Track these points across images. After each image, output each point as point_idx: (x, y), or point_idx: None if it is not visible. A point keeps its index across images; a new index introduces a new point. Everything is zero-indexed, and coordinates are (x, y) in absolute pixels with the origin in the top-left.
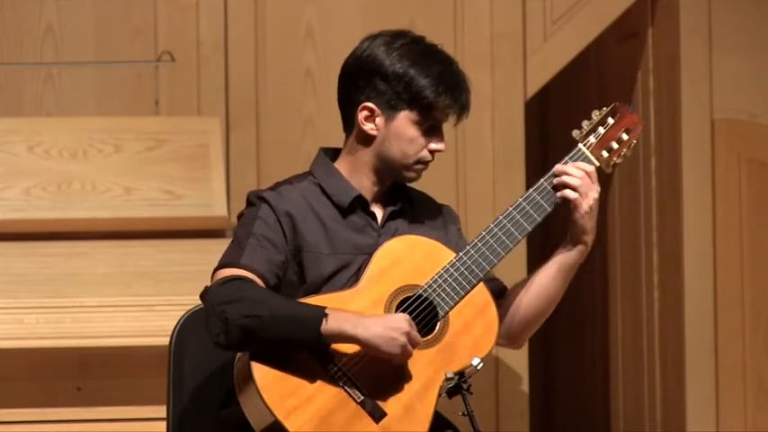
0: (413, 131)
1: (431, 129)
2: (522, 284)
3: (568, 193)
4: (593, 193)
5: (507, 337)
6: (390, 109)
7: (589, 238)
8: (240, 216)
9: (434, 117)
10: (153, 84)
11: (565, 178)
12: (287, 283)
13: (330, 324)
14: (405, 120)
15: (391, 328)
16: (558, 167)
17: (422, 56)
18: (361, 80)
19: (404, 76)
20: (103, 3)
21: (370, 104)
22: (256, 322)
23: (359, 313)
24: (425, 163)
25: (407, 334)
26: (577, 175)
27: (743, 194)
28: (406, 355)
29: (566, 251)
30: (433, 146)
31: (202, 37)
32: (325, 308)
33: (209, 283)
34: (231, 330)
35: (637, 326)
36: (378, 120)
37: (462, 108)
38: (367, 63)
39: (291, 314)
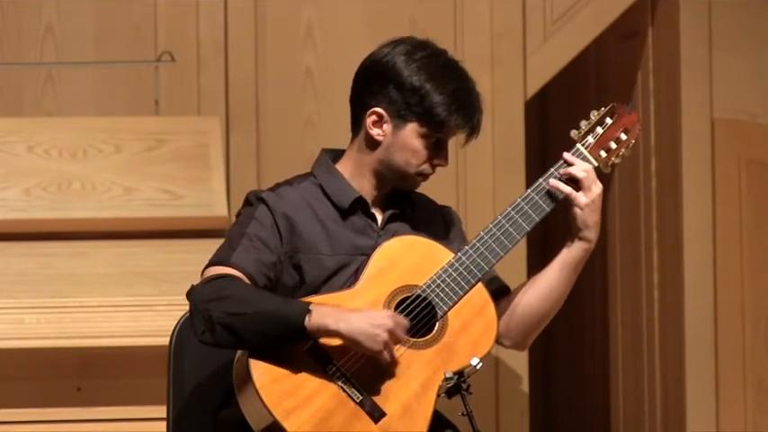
0: (418, 144)
1: (437, 143)
2: (526, 285)
3: (563, 187)
4: (596, 188)
5: (512, 339)
6: (399, 118)
7: (591, 234)
8: (237, 215)
9: (442, 133)
10: (153, 84)
11: (571, 169)
12: (283, 287)
13: (313, 319)
14: (412, 132)
15: (373, 324)
16: (567, 156)
17: (440, 71)
18: (375, 84)
19: (419, 89)
20: (103, 3)
21: (379, 110)
22: (240, 320)
23: (343, 308)
24: (426, 175)
25: (390, 331)
26: (583, 168)
27: (743, 194)
28: (388, 351)
29: (568, 249)
30: (436, 161)
31: (202, 37)
32: (309, 303)
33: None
34: (216, 328)
35: (637, 326)
36: (385, 126)
37: (473, 129)
38: (384, 69)
39: (275, 310)
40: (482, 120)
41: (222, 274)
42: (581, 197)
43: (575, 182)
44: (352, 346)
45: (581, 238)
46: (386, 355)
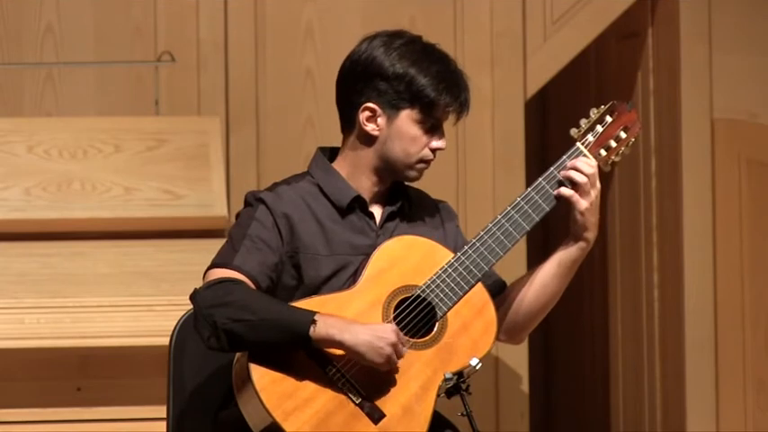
0: (415, 130)
1: (432, 127)
2: (522, 280)
3: (564, 191)
4: (594, 191)
5: (507, 333)
6: (392, 109)
7: (590, 235)
8: (237, 216)
9: (435, 115)
10: (153, 84)
11: (571, 173)
12: (283, 287)
13: (318, 329)
14: (407, 119)
15: (378, 337)
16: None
17: (421, 55)
18: (360, 82)
19: (404, 75)
20: (103, 3)
21: (371, 105)
22: (244, 326)
23: (348, 319)
24: (427, 161)
25: (393, 345)
26: (586, 172)
27: (743, 194)
28: (390, 364)
29: (566, 248)
30: (434, 144)
31: (202, 37)
32: (314, 313)
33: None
34: (220, 334)
35: (637, 326)
36: (380, 120)
37: (462, 106)
38: (366, 64)
39: (280, 318)
40: (470, 97)
41: (225, 278)
42: (581, 202)
43: (574, 185)
44: (355, 357)
45: (581, 239)
46: (387, 367)
